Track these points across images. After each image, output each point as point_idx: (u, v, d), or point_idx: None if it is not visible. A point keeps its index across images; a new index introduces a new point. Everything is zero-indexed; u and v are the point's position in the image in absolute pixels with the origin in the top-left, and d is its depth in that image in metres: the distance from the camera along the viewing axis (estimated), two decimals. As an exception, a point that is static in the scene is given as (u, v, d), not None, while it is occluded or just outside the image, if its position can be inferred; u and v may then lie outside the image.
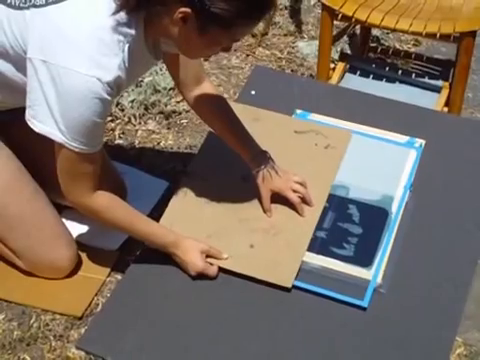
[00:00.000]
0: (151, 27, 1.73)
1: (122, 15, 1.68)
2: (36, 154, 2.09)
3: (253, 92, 2.30)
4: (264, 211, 1.98)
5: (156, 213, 2.37)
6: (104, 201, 1.90)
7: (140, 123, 2.83)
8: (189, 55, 1.83)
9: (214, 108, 2.08)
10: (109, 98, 1.73)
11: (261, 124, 2.18)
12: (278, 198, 1.98)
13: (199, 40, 1.68)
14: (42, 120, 1.76)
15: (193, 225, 1.97)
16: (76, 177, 1.84)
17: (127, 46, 1.71)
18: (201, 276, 1.88)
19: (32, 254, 2.15)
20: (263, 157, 1.98)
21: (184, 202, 2.03)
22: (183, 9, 1.59)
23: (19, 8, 1.77)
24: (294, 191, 1.97)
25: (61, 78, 1.69)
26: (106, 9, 1.67)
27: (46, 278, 2.18)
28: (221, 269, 1.87)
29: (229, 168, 2.09)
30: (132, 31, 1.71)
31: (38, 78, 1.72)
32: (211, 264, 1.88)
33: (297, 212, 1.97)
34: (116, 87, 1.73)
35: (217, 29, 1.64)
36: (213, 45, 1.73)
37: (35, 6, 1.74)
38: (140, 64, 1.84)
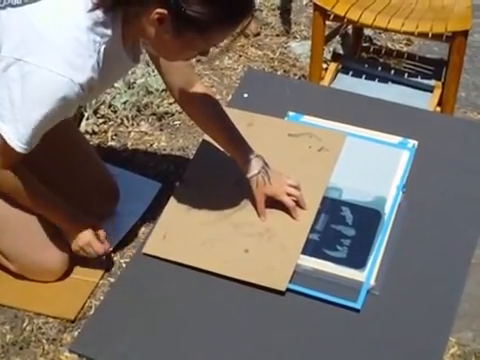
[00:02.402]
0: (129, 27, 1.73)
1: (99, 15, 1.67)
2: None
3: (246, 95, 2.30)
4: (258, 215, 1.98)
5: (149, 215, 2.38)
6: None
7: (133, 125, 2.83)
8: (166, 57, 1.84)
9: (207, 112, 2.06)
10: (76, 99, 1.72)
11: (255, 128, 2.18)
12: (272, 202, 1.98)
13: (174, 42, 1.67)
14: (3, 119, 1.77)
15: (187, 231, 1.96)
16: None
17: (103, 47, 1.71)
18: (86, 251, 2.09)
19: (23, 257, 2.15)
20: (257, 161, 1.98)
21: (178, 209, 2.02)
22: (160, 10, 1.59)
23: None
24: (288, 195, 1.96)
25: (32, 76, 1.68)
26: (83, 8, 1.67)
27: (38, 281, 2.17)
28: (216, 274, 1.87)
29: (223, 173, 2.09)
30: (108, 31, 1.71)
31: (7, 75, 1.72)
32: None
33: (291, 216, 1.96)
34: (88, 89, 1.73)
35: (192, 33, 1.63)
36: (188, 48, 1.73)
37: (12, 6, 1.73)
38: (116, 66, 1.83)
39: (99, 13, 1.67)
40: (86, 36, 1.68)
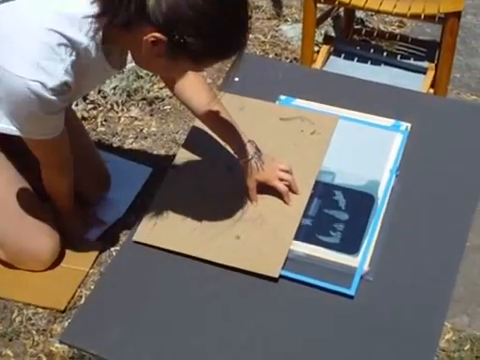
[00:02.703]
0: (112, 40, 1.70)
1: (74, 21, 1.66)
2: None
3: (237, 79, 2.27)
4: (250, 201, 1.96)
5: (139, 200, 2.36)
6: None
7: (123, 110, 2.81)
8: (149, 71, 1.84)
9: (198, 97, 2.03)
10: (55, 99, 1.71)
11: (247, 112, 2.16)
12: (264, 187, 1.95)
13: (164, 63, 1.64)
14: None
15: (178, 218, 1.94)
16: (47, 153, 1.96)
17: (75, 52, 1.68)
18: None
19: (13, 242, 2.13)
20: (249, 147, 1.95)
21: (169, 196, 2.00)
22: (158, 35, 1.54)
23: None
24: (281, 179, 1.94)
25: (6, 80, 1.69)
26: (54, 12, 1.66)
27: (28, 270, 2.15)
28: (207, 261, 1.85)
29: (214, 159, 2.07)
30: (84, 40, 1.68)
31: None
32: None
33: (284, 201, 1.94)
34: (62, 92, 1.72)
35: (185, 59, 1.61)
36: (176, 71, 1.75)
37: None
38: (95, 71, 1.81)
39: (75, 20, 1.64)
40: (57, 40, 1.66)
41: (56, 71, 1.68)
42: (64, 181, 2.11)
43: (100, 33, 1.68)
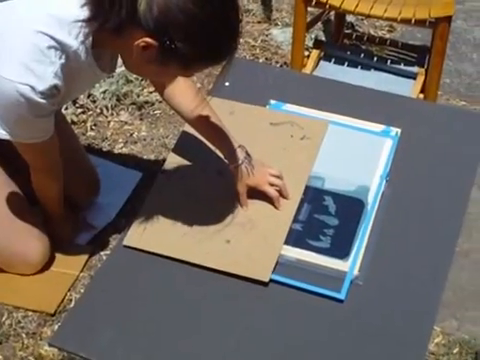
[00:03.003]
0: (102, 44, 1.70)
1: (64, 24, 1.65)
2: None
3: (227, 83, 2.27)
4: (240, 206, 1.96)
5: (130, 205, 2.36)
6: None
7: (112, 114, 2.80)
8: (134, 73, 1.83)
9: (189, 102, 2.03)
10: (45, 102, 1.70)
11: (236, 117, 2.16)
12: (255, 192, 1.96)
13: (154, 68, 1.64)
14: None
15: (168, 223, 1.94)
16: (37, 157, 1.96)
17: (65, 54, 1.68)
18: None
19: (3, 246, 2.13)
20: (240, 152, 1.95)
21: (159, 200, 2.00)
22: (149, 40, 1.54)
23: None
24: (271, 184, 1.94)
25: None
26: (45, 15, 1.65)
27: (17, 274, 2.15)
28: (198, 265, 1.85)
29: (205, 164, 2.07)
30: (74, 42, 1.68)
31: None
32: None
33: (274, 206, 1.94)
34: (52, 96, 1.71)
35: (175, 65, 1.61)
36: (165, 75, 1.75)
37: None
38: (84, 75, 1.81)
39: (65, 23, 1.64)
40: (46, 43, 1.65)
41: (45, 74, 1.67)
42: (53, 185, 2.10)
43: (90, 37, 1.68)
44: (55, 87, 1.70)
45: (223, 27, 1.57)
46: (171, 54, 1.56)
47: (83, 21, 1.60)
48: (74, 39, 1.67)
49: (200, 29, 1.53)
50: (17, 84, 1.65)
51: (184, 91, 2.03)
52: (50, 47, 1.66)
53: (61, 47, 1.67)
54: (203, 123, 2.02)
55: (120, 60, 1.77)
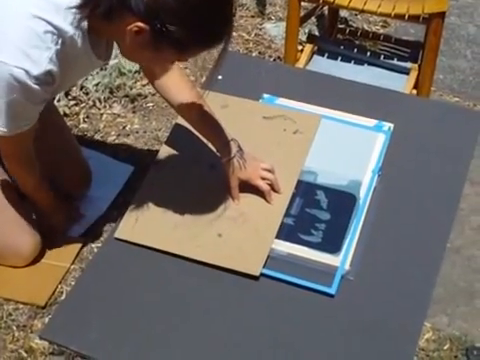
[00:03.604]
0: (100, 29, 1.69)
1: (60, 10, 1.64)
2: None
3: (220, 77, 2.27)
4: (232, 199, 1.95)
5: (121, 198, 2.35)
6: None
7: (105, 107, 2.79)
8: (136, 62, 1.82)
9: (183, 95, 2.02)
10: (38, 88, 1.69)
11: (229, 110, 2.15)
12: (246, 186, 1.95)
13: (148, 54, 1.64)
14: None
15: (159, 216, 1.93)
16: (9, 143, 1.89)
17: (61, 40, 1.67)
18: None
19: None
20: (232, 145, 1.95)
21: (151, 193, 2.00)
22: (141, 25, 1.55)
23: None
24: (263, 178, 1.94)
25: None
26: (41, 0, 1.63)
27: (8, 266, 2.14)
28: (189, 259, 1.85)
29: (197, 157, 2.07)
30: (70, 28, 1.67)
31: None
32: None
33: (266, 200, 1.94)
34: (46, 82, 1.70)
35: (169, 49, 1.61)
36: (160, 60, 1.74)
37: None
38: (80, 62, 1.80)
39: (61, 8, 1.63)
40: (43, 28, 1.64)
41: (41, 59, 1.66)
42: (26, 174, 2.05)
43: (85, 23, 1.67)
44: (50, 73, 1.69)
45: (215, 10, 1.57)
46: (164, 38, 1.56)
47: (75, 7, 1.60)
48: (70, 25, 1.67)
49: (191, 12, 1.53)
50: (12, 67, 1.64)
51: (178, 83, 2.02)
52: (46, 32, 1.65)
53: (57, 32, 1.66)
54: (196, 116, 2.01)
55: (115, 52, 1.77)
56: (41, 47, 1.65)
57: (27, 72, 1.65)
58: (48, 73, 1.69)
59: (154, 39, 1.57)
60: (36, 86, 1.68)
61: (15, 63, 1.64)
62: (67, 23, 1.66)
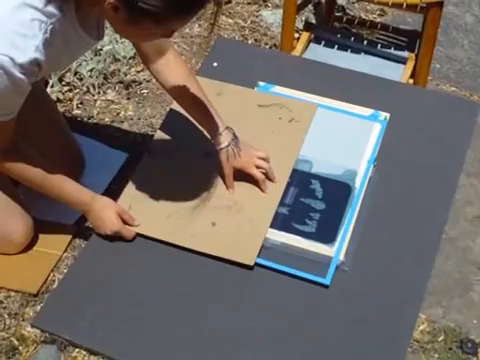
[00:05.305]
0: (87, 8, 1.69)
1: None
2: None
3: (215, 64, 2.25)
4: (227, 188, 1.94)
5: (115, 186, 2.33)
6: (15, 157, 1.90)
7: (99, 93, 2.77)
8: (127, 39, 1.80)
9: (179, 81, 2.00)
10: (23, 77, 1.67)
11: (224, 98, 2.14)
12: (241, 175, 1.94)
13: (131, 29, 1.62)
14: None
15: (153, 204, 1.92)
16: None
17: (50, 27, 1.65)
18: (116, 236, 1.89)
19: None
20: (227, 133, 1.94)
21: (144, 180, 1.99)
22: (113, 1, 1.54)
23: None
24: (257, 167, 1.92)
25: None
26: None
27: (0, 254, 2.12)
28: (183, 247, 1.83)
29: (191, 145, 2.05)
30: (57, 11, 1.65)
31: None
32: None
33: (260, 189, 1.93)
34: (31, 72, 1.68)
35: (148, 22, 1.58)
36: (146, 35, 1.69)
37: None
38: (74, 45, 1.78)
39: None
40: (30, 16, 1.62)
41: (27, 47, 1.64)
42: (19, 172, 2.01)
43: (72, 5, 1.66)
44: (36, 61, 1.67)
45: None
46: (138, 11, 1.54)
47: None
48: (57, 8, 1.65)
49: None
50: None
51: (173, 67, 2.01)
52: (33, 19, 1.63)
53: (45, 19, 1.64)
54: (191, 102, 2.00)
55: (109, 38, 1.75)
56: (27, 35, 1.64)
57: (12, 59, 1.63)
58: (34, 61, 1.67)
59: (129, 14, 1.56)
60: (20, 75, 1.66)
61: (1, 50, 1.62)
62: (54, 6, 1.65)
